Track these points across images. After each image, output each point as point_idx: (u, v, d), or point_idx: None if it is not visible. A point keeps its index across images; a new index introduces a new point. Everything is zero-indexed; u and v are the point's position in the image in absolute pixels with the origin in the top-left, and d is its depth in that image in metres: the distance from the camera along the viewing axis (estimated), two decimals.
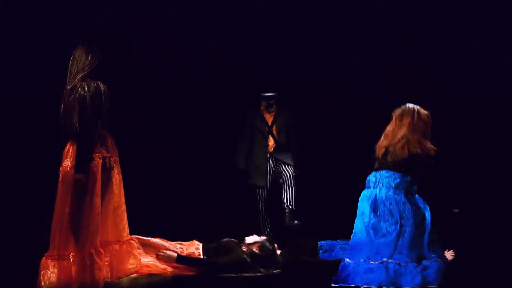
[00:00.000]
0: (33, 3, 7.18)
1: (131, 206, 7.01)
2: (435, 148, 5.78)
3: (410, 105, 5.89)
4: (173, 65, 7.64)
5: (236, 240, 6.16)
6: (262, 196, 7.71)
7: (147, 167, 7.44)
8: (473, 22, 7.32)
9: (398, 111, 5.90)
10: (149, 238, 5.97)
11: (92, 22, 7.24)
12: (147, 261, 5.76)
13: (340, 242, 6.22)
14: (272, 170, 7.71)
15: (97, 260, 5.25)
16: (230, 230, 6.57)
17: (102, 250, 5.30)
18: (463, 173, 7.36)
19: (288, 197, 7.59)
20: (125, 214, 5.51)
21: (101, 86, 5.38)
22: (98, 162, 5.30)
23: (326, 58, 7.68)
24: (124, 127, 7.32)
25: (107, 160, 5.37)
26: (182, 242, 6.11)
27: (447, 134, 7.41)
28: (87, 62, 5.40)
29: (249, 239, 6.27)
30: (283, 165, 7.66)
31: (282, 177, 7.65)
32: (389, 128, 5.91)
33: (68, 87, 5.33)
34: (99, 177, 5.28)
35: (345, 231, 6.44)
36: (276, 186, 7.68)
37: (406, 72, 7.60)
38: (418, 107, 5.87)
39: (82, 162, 5.21)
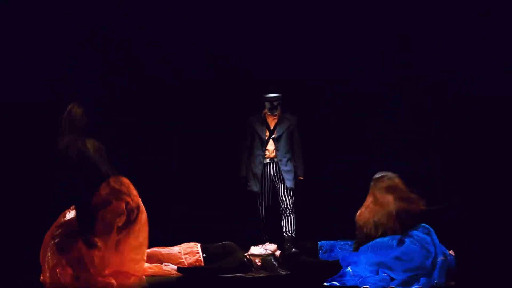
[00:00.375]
0: (33, 3, 7.18)
1: None
2: (422, 207, 5.80)
3: (380, 178, 5.89)
4: (173, 65, 7.62)
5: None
6: (262, 202, 7.40)
7: (147, 167, 7.41)
8: (473, 22, 7.31)
9: (372, 189, 5.93)
10: None
11: (92, 22, 7.25)
12: (150, 265, 5.77)
13: (340, 242, 6.22)
14: (272, 178, 7.41)
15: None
16: (229, 231, 6.56)
17: (114, 282, 5.28)
18: (463, 173, 7.36)
19: (288, 225, 7.30)
20: (145, 251, 5.48)
21: (92, 144, 5.32)
22: (119, 207, 5.29)
23: (326, 58, 7.64)
24: (124, 127, 7.34)
25: (129, 203, 5.35)
26: (179, 245, 6.11)
27: (447, 134, 7.43)
28: (81, 124, 5.34)
29: (255, 250, 6.26)
30: (282, 187, 7.36)
31: (281, 205, 7.36)
32: (370, 204, 5.94)
33: (60, 144, 5.28)
34: (116, 224, 5.26)
35: (345, 231, 6.45)
36: (275, 191, 7.44)
37: (406, 72, 7.58)
38: (388, 175, 5.86)
39: (84, 225, 5.18)
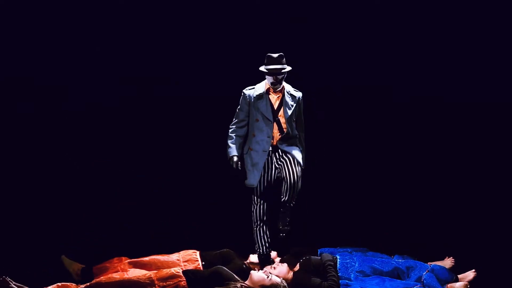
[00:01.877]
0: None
1: (124, 215, 7.01)
2: None
3: None
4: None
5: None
6: (259, 199, 6.23)
7: (144, 171, 7.35)
8: (472, 22, 7.30)
9: None
10: (141, 258, 5.94)
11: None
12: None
13: (340, 249, 6.18)
14: (275, 168, 6.20)
15: None
16: (229, 238, 6.49)
17: None
18: (463, 175, 7.35)
19: (283, 219, 6.15)
20: None
21: None
22: None
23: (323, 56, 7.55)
24: (120, 135, 7.32)
25: None
26: (178, 252, 6.09)
27: (447, 135, 7.41)
28: None
29: (254, 258, 6.23)
30: (287, 161, 6.14)
31: (283, 176, 6.12)
32: None
33: None
34: None
35: (345, 237, 6.41)
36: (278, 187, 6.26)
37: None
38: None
39: None
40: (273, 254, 6.32)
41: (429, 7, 7.36)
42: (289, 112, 6.16)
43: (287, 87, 6.25)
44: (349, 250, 6.12)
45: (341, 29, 7.44)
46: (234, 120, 6.29)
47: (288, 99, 6.19)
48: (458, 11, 7.31)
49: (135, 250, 6.09)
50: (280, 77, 6.10)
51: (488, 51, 7.29)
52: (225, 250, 6.11)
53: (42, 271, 6.48)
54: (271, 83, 6.13)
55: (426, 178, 7.36)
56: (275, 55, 6.09)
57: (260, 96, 6.16)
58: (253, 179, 6.20)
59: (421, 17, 7.37)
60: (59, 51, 7.26)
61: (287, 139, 6.19)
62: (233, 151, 6.21)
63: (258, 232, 6.30)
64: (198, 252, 6.08)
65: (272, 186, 6.25)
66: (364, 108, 7.53)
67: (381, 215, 7.23)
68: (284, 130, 6.17)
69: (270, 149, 6.17)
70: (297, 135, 6.28)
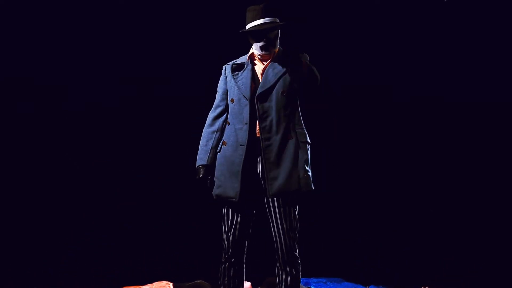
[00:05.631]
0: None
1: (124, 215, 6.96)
2: None
3: None
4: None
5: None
6: (233, 220, 4.30)
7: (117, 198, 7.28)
8: (472, 22, 7.29)
9: None
10: None
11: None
12: None
13: (314, 280, 6.15)
14: (258, 177, 4.30)
15: None
16: (203, 269, 6.39)
17: None
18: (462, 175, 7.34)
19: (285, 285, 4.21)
20: None
21: None
22: None
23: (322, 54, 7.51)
24: (120, 135, 7.29)
25: None
26: (151, 284, 6.07)
27: (446, 136, 7.39)
28: None
29: None
30: (272, 201, 4.19)
31: (276, 244, 4.28)
32: None
33: None
34: None
35: (319, 268, 6.29)
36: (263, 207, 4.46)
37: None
38: None
39: None
40: (247, 284, 6.19)
41: (429, 7, 7.34)
42: (272, 82, 4.24)
43: (286, 51, 4.38)
44: (324, 281, 6.09)
45: (341, 29, 7.39)
46: (214, 108, 4.51)
47: (275, 64, 4.29)
48: (458, 11, 7.28)
49: (107, 281, 6.04)
50: (271, 35, 4.20)
51: (488, 51, 7.25)
52: (199, 281, 6.08)
53: (42, 271, 6.48)
54: (261, 48, 4.26)
55: (424, 187, 7.26)
56: (258, 7, 4.28)
57: (239, 67, 4.37)
58: (224, 187, 4.34)
59: (421, 17, 7.31)
60: (59, 51, 7.26)
61: (277, 126, 4.24)
62: (203, 158, 4.43)
63: (224, 269, 4.52)
64: (171, 284, 6.06)
65: (254, 200, 4.38)
66: (364, 108, 7.51)
67: (359, 242, 7.01)
68: (266, 112, 4.22)
69: (252, 144, 4.25)
70: (302, 117, 4.40)
